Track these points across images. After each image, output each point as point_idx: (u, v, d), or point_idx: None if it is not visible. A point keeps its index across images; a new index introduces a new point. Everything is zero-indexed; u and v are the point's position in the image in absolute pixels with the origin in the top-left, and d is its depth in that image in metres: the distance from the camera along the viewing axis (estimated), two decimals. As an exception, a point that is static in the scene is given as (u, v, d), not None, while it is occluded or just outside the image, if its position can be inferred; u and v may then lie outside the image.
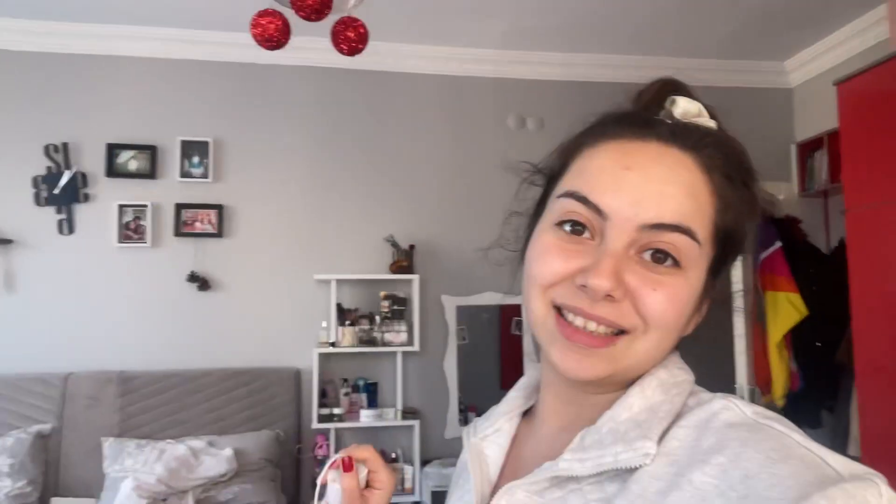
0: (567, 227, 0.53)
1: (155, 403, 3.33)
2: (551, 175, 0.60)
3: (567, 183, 0.55)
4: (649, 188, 0.51)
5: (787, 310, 3.21)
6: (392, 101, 3.85)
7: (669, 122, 0.55)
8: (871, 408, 2.70)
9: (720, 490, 0.43)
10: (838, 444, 3.34)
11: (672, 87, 0.58)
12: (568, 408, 0.58)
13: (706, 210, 0.52)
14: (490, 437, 0.63)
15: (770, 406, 3.31)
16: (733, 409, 0.49)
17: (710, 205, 0.53)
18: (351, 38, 1.80)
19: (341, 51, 1.88)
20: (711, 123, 0.57)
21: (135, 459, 3.07)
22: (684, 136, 0.54)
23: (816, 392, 3.49)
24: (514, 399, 0.66)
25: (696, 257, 0.52)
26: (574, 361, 0.52)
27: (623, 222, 0.51)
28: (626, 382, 0.55)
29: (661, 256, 0.51)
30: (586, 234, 0.52)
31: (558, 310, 0.53)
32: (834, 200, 3.79)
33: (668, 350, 0.55)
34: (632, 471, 0.49)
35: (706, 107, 0.58)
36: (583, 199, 0.52)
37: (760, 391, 3.28)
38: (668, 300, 0.50)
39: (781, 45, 3.89)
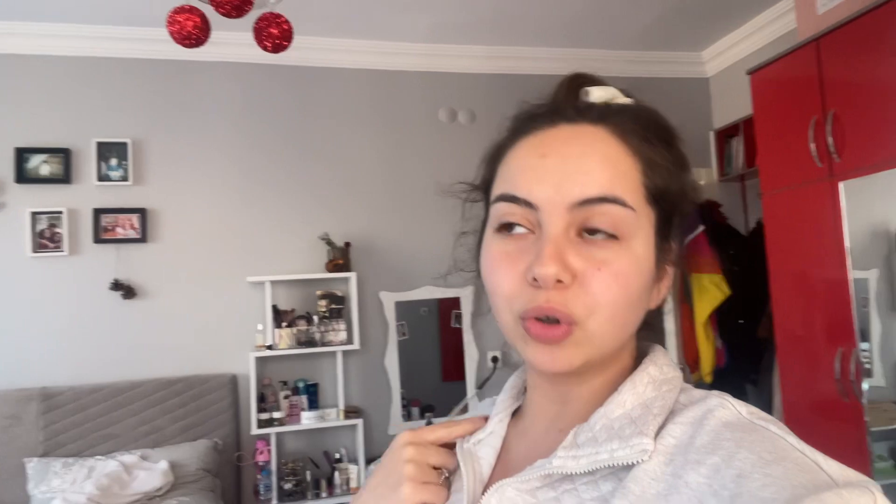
0: (508, 229, 0.54)
1: (81, 419, 3.17)
2: (485, 187, 0.60)
3: (497, 188, 0.56)
4: (568, 168, 0.52)
5: (711, 291, 3.36)
6: (321, 96, 3.78)
7: (576, 103, 0.56)
8: (791, 376, 2.87)
9: (713, 489, 0.43)
10: (762, 414, 3.53)
11: (582, 80, 0.59)
12: (556, 406, 0.58)
13: (630, 174, 0.53)
14: (484, 440, 0.62)
15: (699, 383, 3.48)
16: (729, 408, 0.49)
17: (634, 167, 0.53)
18: (275, 34, 1.75)
19: (265, 48, 1.82)
20: (627, 100, 0.58)
21: (62, 479, 2.93)
22: (591, 111, 0.55)
23: (740, 367, 3.68)
24: (503, 401, 0.65)
25: (633, 224, 0.52)
26: (548, 356, 0.52)
27: (553, 208, 0.51)
28: (604, 367, 0.56)
29: (600, 232, 0.51)
30: (527, 231, 0.53)
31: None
32: (751, 183, 3.99)
33: (631, 324, 0.55)
34: (627, 468, 0.48)
35: (620, 90, 0.58)
36: (512, 198, 0.53)
37: (689, 369, 3.43)
38: (612, 278, 0.50)
39: (698, 36, 4.04)
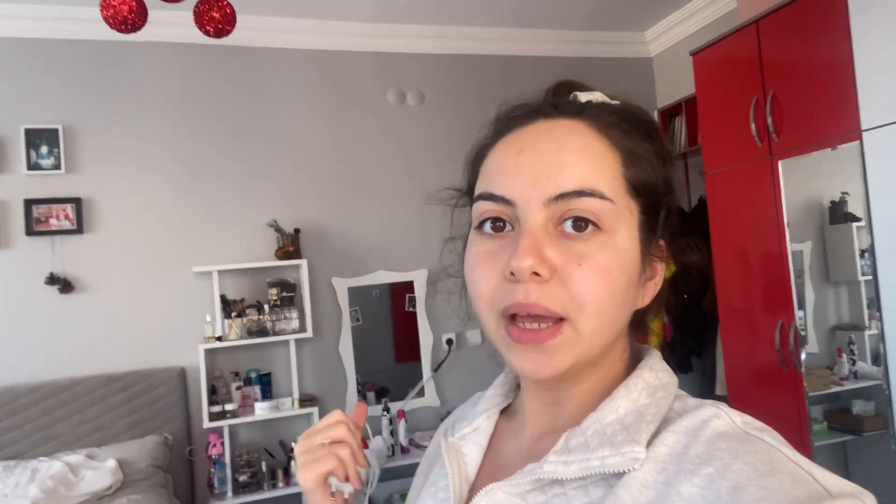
0: (488, 227, 0.53)
1: (21, 420, 3.04)
2: (470, 191, 0.59)
3: (477, 188, 0.56)
4: (544, 162, 0.51)
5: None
6: (265, 78, 3.66)
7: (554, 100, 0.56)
8: (733, 348, 2.99)
9: (707, 500, 0.43)
10: (707, 385, 3.67)
11: (569, 87, 0.59)
12: (548, 408, 0.57)
13: (609, 165, 0.51)
14: (468, 436, 0.61)
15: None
16: (723, 418, 0.48)
17: (613, 159, 0.52)
18: (217, 18, 1.67)
19: (207, 33, 1.74)
20: (614, 103, 0.58)
21: (4, 483, 2.80)
22: (569, 107, 0.55)
23: (686, 340, 3.80)
24: (493, 398, 0.64)
25: (614, 216, 0.50)
26: (532, 363, 0.51)
27: (529, 203, 0.50)
28: (596, 369, 0.55)
29: (581, 224, 0.50)
30: (508, 228, 0.52)
31: (511, 317, 0.51)
32: (693, 161, 4.09)
33: (619, 322, 0.53)
34: (618, 475, 0.48)
35: (608, 95, 0.58)
36: (490, 196, 0.53)
37: (638, 344, 3.52)
38: (595, 273, 0.49)
39: (641, 17, 4.09)
